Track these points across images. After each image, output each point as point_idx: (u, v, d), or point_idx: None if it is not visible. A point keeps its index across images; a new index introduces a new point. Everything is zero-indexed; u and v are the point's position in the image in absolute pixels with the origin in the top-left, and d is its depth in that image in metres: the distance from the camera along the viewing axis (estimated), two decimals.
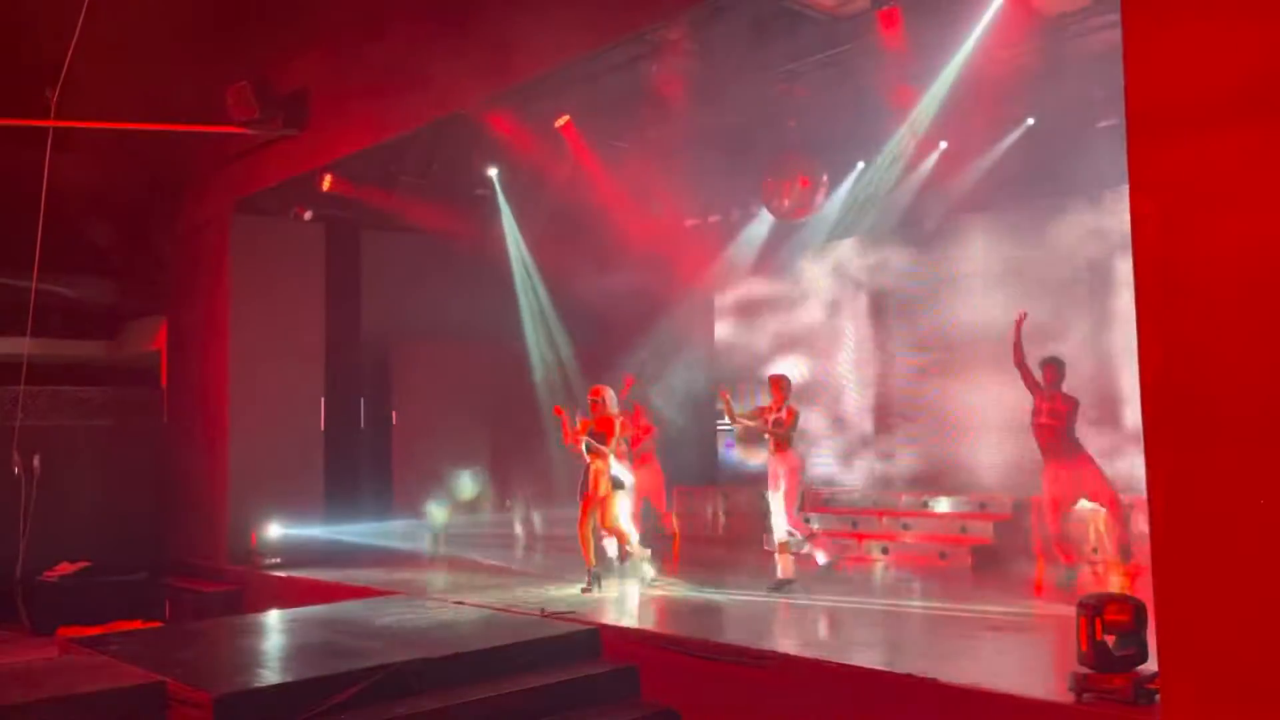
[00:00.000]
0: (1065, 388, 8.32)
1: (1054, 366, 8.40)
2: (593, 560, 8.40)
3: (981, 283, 11.36)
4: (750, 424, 8.52)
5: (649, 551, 8.67)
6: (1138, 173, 4.32)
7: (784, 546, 8.20)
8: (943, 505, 10.56)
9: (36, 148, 8.42)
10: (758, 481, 12.88)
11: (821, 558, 8.42)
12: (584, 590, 8.24)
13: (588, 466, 8.48)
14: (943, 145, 10.74)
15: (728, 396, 8.55)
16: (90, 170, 10.58)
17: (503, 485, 12.84)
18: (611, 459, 8.43)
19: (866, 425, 12.44)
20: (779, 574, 8.16)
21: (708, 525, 12.54)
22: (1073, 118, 9.61)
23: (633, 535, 8.64)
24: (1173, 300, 4.21)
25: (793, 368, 12.74)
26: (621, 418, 8.82)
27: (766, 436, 8.38)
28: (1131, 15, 4.42)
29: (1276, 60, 3.94)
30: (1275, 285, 3.93)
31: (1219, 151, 4.12)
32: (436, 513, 12.08)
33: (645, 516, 10.13)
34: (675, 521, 10.79)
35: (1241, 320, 4.03)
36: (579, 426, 8.51)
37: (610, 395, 8.60)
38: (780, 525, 8.30)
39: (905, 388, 12.08)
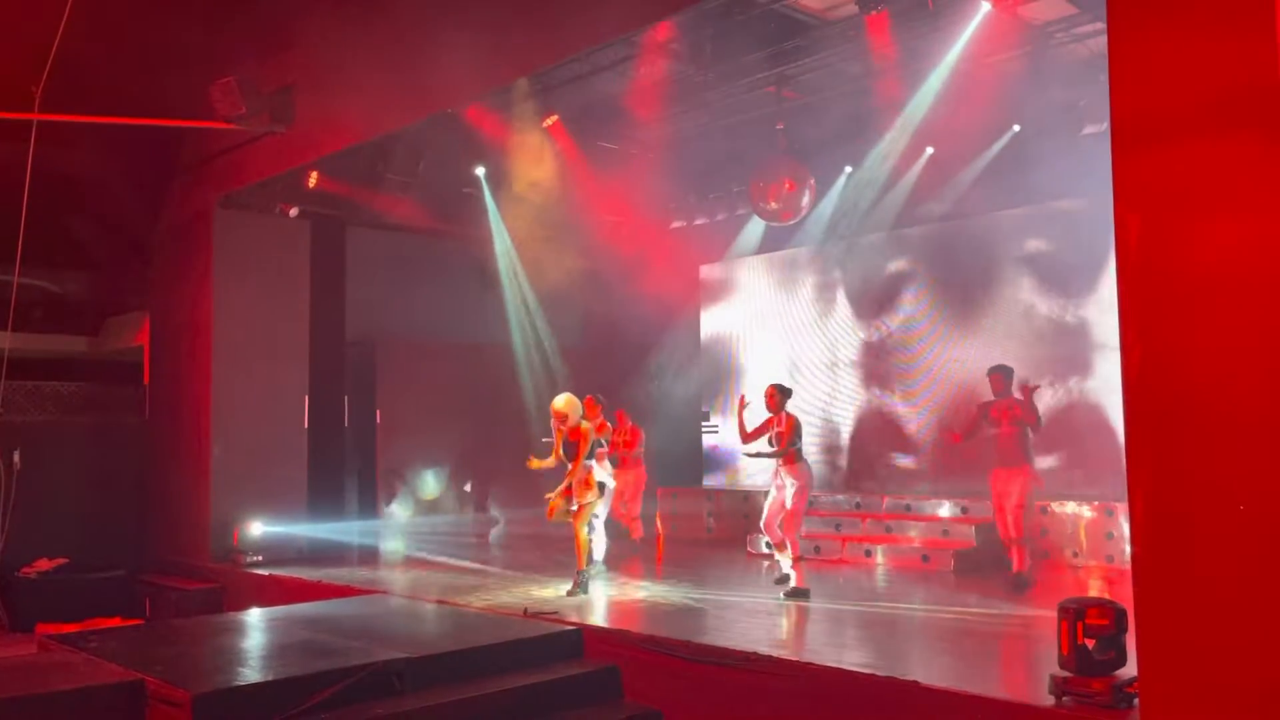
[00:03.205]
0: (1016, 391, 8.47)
1: (1000, 375, 8.46)
2: (584, 562, 8.33)
3: (968, 286, 11.42)
4: (764, 450, 8.27)
5: (594, 568, 8.47)
6: (1122, 179, 4.36)
7: (797, 560, 8.11)
8: (926, 509, 10.60)
9: (20, 141, 8.36)
10: (745, 485, 12.93)
11: (791, 580, 8.19)
12: (569, 593, 8.21)
13: (570, 474, 8.32)
14: (929, 151, 10.79)
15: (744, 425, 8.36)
16: (74, 164, 10.50)
17: (485, 485, 12.82)
18: (594, 464, 8.30)
19: (852, 427, 12.47)
20: (795, 582, 8.07)
21: (694, 527, 12.54)
22: (1058, 124, 9.68)
23: (593, 545, 8.53)
24: (1155, 304, 4.25)
25: (779, 370, 12.80)
26: (597, 423, 8.70)
27: (771, 448, 8.15)
28: (1117, 24, 4.46)
29: (1257, 71, 3.98)
30: (1256, 291, 3.97)
31: (1202, 159, 4.16)
32: (401, 509, 12.11)
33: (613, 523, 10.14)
34: (640, 526, 10.95)
35: (1223, 324, 4.07)
36: (552, 447, 8.35)
37: (574, 407, 8.30)
38: (775, 533, 8.14)
39: (891, 389, 12.13)
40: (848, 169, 11.47)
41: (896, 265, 12.09)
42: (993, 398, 8.51)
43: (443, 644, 6.14)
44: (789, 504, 8.03)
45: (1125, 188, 4.35)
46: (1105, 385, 9.98)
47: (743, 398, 8.43)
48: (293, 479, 11.30)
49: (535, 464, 8.43)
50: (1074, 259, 10.42)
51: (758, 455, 8.20)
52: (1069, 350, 10.45)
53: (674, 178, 12.08)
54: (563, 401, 8.29)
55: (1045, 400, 9.68)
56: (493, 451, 12.59)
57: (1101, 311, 10.11)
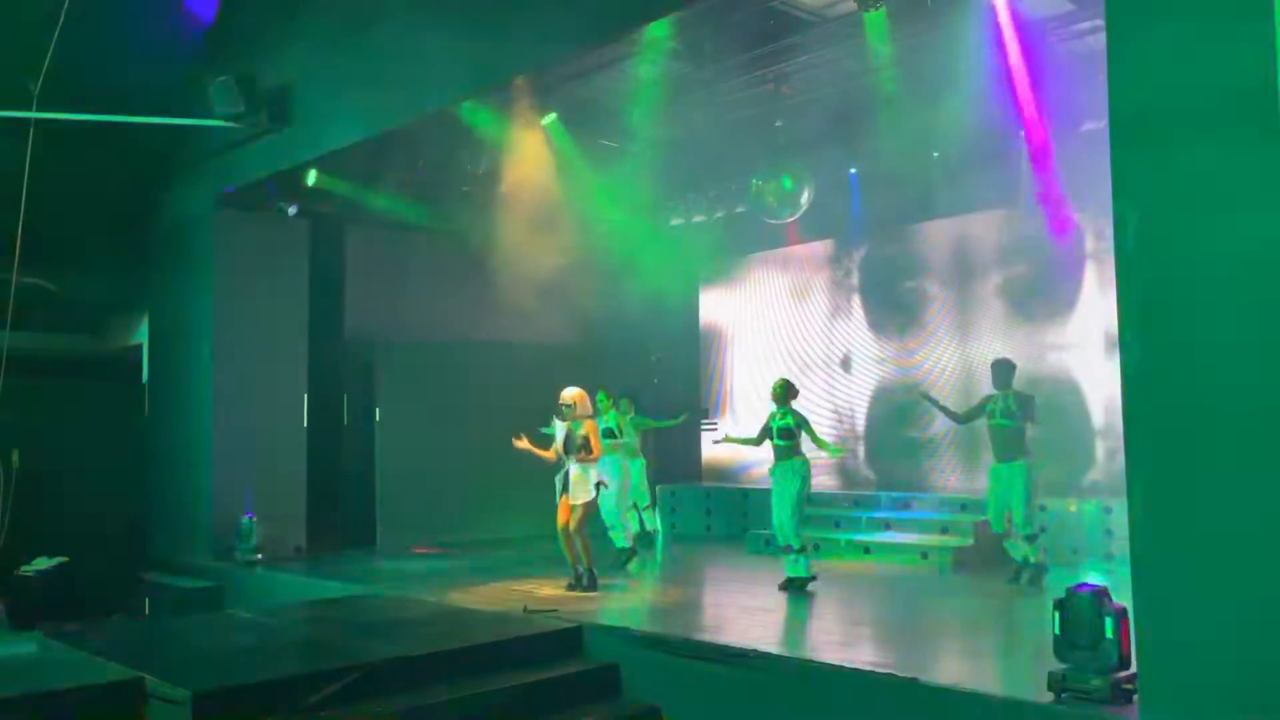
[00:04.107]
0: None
1: (1002, 367, 8.55)
2: (574, 559, 8.32)
3: (967, 283, 11.42)
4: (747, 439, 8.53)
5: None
6: (1120, 176, 4.36)
7: (798, 550, 8.15)
8: (925, 506, 10.61)
9: (18, 140, 8.35)
10: (742, 482, 12.92)
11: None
12: (569, 588, 8.21)
13: (566, 470, 8.28)
14: (930, 151, 10.75)
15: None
16: (73, 163, 10.49)
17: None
18: (591, 466, 8.27)
19: (849, 424, 12.47)
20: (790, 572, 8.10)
21: (693, 526, 12.54)
22: (1055, 122, 9.65)
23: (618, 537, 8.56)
24: (1153, 301, 4.26)
25: (778, 367, 12.79)
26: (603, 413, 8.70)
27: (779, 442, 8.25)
28: (1115, 21, 4.46)
29: (1254, 68, 3.98)
30: (1253, 287, 3.97)
31: (1199, 156, 4.16)
32: None
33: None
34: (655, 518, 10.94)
35: (1220, 321, 4.07)
36: (557, 432, 8.36)
37: (584, 401, 8.36)
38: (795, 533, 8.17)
39: (890, 387, 12.13)
40: (848, 168, 11.46)
41: (896, 262, 12.08)
42: (994, 390, 8.57)
43: (442, 642, 6.15)
44: (791, 499, 8.10)
45: (1123, 184, 4.35)
46: (1105, 383, 9.97)
47: (726, 436, 9.16)
48: (292, 477, 11.30)
49: (523, 444, 8.37)
50: (1072, 257, 10.42)
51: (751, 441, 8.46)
52: (1070, 347, 10.45)
53: (673, 175, 12.06)
54: (572, 393, 8.33)
55: (1045, 399, 9.67)
56: (491, 449, 12.54)
57: (1101, 309, 10.11)
